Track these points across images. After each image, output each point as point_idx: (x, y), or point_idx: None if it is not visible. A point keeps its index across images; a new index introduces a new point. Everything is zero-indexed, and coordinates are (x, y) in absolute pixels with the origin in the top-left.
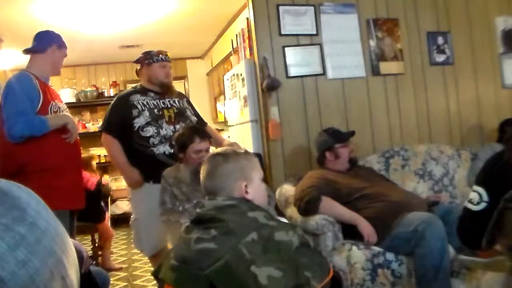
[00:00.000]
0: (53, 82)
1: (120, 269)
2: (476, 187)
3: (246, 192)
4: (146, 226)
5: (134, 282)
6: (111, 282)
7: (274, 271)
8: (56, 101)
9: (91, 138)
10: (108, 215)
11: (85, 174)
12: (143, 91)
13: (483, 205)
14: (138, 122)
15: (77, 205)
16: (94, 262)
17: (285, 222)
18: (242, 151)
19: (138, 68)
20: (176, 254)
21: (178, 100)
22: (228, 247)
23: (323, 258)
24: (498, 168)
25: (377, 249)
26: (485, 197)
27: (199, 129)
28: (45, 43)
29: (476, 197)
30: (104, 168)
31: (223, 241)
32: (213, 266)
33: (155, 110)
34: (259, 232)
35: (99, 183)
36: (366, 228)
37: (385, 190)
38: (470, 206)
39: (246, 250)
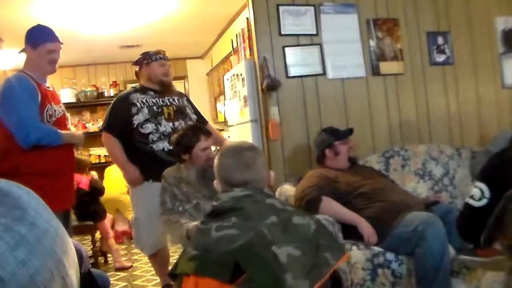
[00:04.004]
0: (53, 82)
1: (130, 266)
2: (478, 183)
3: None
4: (146, 225)
5: (134, 282)
6: (111, 282)
7: (293, 250)
8: (52, 103)
9: (91, 138)
10: (109, 215)
11: (77, 176)
12: (143, 90)
13: (484, 201)
14: (137, 119)
15: (68, 205)
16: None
17: (300, 210)
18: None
19: (137, 69)
20: (196, 244)
21: (177, 99)
22: (250, 231)
23: (337, 240)
24: (501, 165)
25: (377, 249)
26: (487, 193)
27: (201, 127)
28: (25, 44)
29: (477, 193)
30: (104, 167)
31: (244, 226)
32: (235, 244)
33: (154, 108)
34: (278, 216)
35: (92, 181)
36: (366, 228)
37: (385, 188)
38: (471, 202)
39: (267, 231)
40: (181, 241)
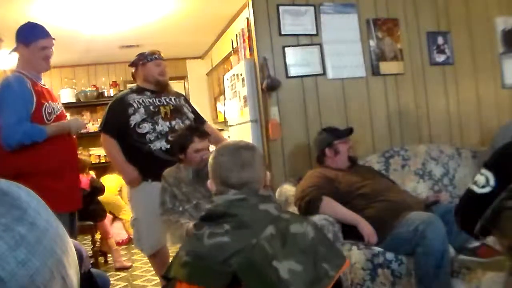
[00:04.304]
0: (54, 82)
1: (130, 266)
2: (484, 171)
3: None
4: (145, 226)
5: (134, 282)
6: (111, 282)
7: (294, 265)
8: (49, 101)
9: (91, 138)
10: (109, 215)
11: None
12: (139, 90)
13: (487, 189)
14: (134, 119)
15: (75, 207)
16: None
17: (297, 214)
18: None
19: (134, 70)
20: (189, 250)
21: (174, 98)
22: (244, 240)
23: (337, 246)
24: (510, 154)
25: (377, 249)
26: (492, 181)
27: (197, 128)
28: (17, 43)
29: (482, 180)
30: (104, 168)
31: (237, 234)
32: (237, 260)
33: (151, 107)
34: (276, 226)
35: (92, 181)
36: (366, 228)
37: (385, 189)
38: (474, 188)
39: (267, 245)
40: (181, 241)
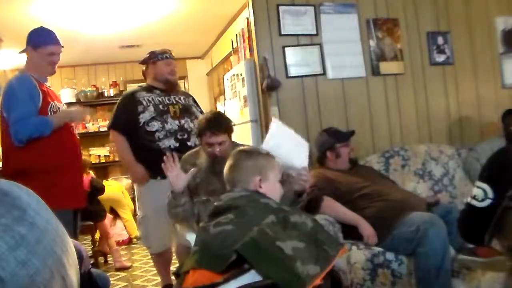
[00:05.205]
0: (54, 82)
1: (130, 266)
2: (480, 184)
3: (260, 186)
4: (154, 224)
5: (134, 282)
6: (111, 282)
7: (297, 243)
8: (55, 101)
9: (91, 138)
10: (109, 215)
11: None
12: (149, 88)
13: (488, 202)
14: (143, 117)
15: (79, 205)
16: (92, 262)
17: (296, 208)
18: (265, 152)
19: (144, 68)
20: (197, 241)
21: (184, 98)
22: (246, 227)
23: (334, 235)
24: (505, 164)
25: (377, 249)
26: (490, 194)
27: (215, 124)
28: (26, 45)
29: (480, 194)
30: (104, 168)
31: (240, 223)
32: (239, 242)
33: (160, 106)
34: (277, 215)
35: (92, 180)
36: (366, 229)
37: (385, 189)
38: (474, 202)
39: (269, 229)
40: (182, 222)
